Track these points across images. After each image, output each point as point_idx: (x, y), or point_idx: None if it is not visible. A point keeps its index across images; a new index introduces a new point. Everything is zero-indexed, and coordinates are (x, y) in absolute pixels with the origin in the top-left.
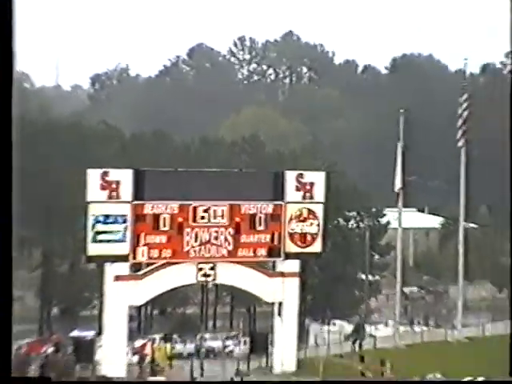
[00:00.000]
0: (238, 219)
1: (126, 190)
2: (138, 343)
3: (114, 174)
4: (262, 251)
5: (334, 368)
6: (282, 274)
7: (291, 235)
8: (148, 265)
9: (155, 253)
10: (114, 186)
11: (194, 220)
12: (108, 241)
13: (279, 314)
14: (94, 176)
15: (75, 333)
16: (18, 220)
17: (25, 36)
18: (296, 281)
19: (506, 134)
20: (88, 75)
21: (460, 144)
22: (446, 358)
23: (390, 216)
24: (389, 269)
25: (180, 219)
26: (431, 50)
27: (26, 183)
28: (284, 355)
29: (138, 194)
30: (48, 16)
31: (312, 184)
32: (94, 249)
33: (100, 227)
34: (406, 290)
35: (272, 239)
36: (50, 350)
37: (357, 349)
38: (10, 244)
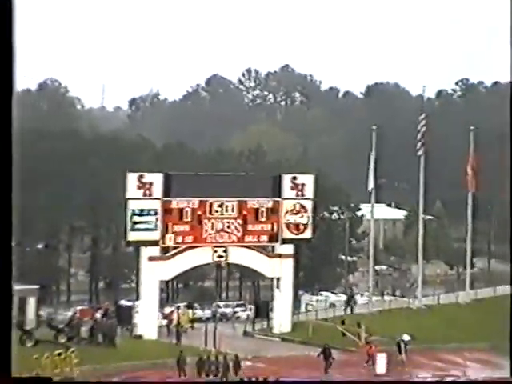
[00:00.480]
0: (245, 212)
1: (157, 190)
2: (167, 310)
3: (148, 177)
4: (264, 237)
5: (320, 329)
6: (280, 256)
7: (287, 225)
8: (174, 248)
9: (180, 239)
10: (147, 186)
11: (211, 213)
12: (143, 229)
13: (277, 287)
14: (132, 178)
15: (121, 302)
16: (74, 213)
17: (77, 66)
18: (291, 261)
19: (454, 144)
20: (127, 99)
21: (419, 153)
22: (409, 321)
23: (365, 210)
24: (363, 251)
25: (199, 212)
26: (397, 79)
27: (77, 185)
28: (281, 319)
29: (167, 192)
30: (96, 48)
31: (303, 184)
32: (132, 235)
33: (136, 218)
34: (377, 267)
35: (272, 228)
36: (98, 315)
37: (349, 312)
38: (10, 245)
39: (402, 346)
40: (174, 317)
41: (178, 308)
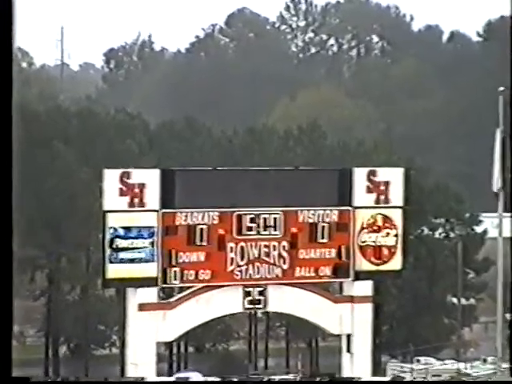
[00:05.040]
0: (294, 230)
1: (153, 196)
2: None
3: (137, 176)
4: (326, 270)
5: None
6: (352, 299)
7: (362, 249)
8: (181, 290)
9: (190, 274)
10: (136, 190)
11: (239, 232)
12: (130, 260)
13: (348, 350)
14: (111, 178)
15: (179, 375)
16: (19, 235)
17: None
18: (369, 307)
19: None
20: (101, 51)
21: None
22: None
23: (488, 223)
24: (487, 290)
25: (221, 231)
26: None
27: (27, 188)
28: None
29: (168, 200)
30: None
31: (387, 183)
32: (112, 270)
33: (120, 242)
34: (510, 316)
35: (338, 254)
36: None
37: None
38: (11, 243)
39: None
40: None
41: None
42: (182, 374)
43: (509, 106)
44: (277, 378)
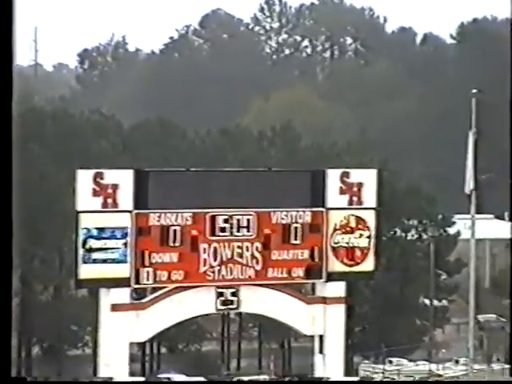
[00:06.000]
0: (267, 231)
1: (126, 196)
2: None
3: (111, 176)
4: (299, 271)
5: None
6: (324, 300)
7: (335, 250)
8: (154, 290)
9: (163, 275)
10: (110, 190)
11: (212, 233)
12: (103, 260)
13: (321, 351)
14: (84, 178)
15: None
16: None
17: None
18: (341, 308)
19: None
20: (75, 51)
21: None
22: None
23: (461, 224)
24: (459, 291)
25: (194, 232)
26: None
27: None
28: None
29: (141, 200)
30: None
31: (360, 185)
32: (85, 270)
33: (93, 243)
34: (482, 317)
35: (311, 255)
36: None
37: None
38: (10, 244)
39: None
40: None
41: None
42: (164, 375)
43: (481, 108)
44: (249, 378)
